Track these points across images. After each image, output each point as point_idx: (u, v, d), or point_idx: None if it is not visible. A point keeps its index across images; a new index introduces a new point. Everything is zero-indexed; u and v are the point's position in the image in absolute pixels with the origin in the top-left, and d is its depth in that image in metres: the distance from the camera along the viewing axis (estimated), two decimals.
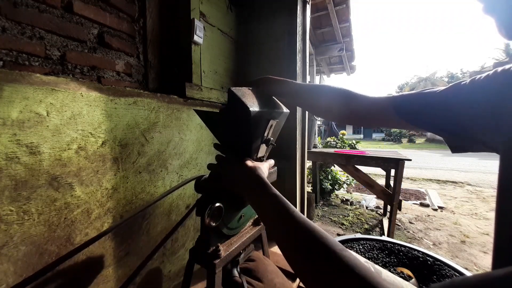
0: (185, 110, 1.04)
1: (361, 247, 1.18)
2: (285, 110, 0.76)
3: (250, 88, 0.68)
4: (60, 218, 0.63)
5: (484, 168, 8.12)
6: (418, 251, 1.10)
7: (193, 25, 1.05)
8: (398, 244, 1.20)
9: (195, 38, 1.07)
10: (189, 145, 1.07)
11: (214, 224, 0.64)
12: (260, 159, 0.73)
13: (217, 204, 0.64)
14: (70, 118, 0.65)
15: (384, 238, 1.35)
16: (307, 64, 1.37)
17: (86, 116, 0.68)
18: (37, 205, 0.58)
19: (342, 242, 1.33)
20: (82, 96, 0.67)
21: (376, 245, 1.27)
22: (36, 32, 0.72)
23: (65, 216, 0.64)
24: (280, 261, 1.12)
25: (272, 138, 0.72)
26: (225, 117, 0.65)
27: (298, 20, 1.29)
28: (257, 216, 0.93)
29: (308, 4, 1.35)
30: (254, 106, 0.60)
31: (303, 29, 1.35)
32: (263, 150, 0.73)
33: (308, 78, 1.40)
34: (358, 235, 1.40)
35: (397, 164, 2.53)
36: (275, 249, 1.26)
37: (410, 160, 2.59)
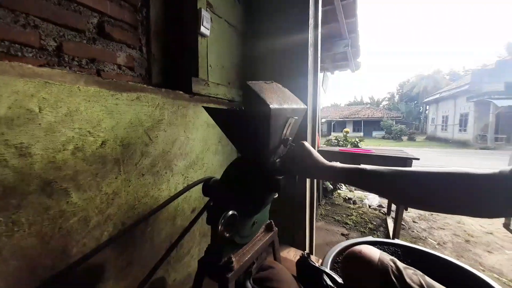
0: (191, 106, 0.97)
1: None
2: (303, 106, 0.69)
3: (268, 82, 0.61)
4: (54, 228, 0.56)
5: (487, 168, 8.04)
6: (444, 259, 1.02)
7: (200, 16, 0.97)
8: (418, 250, 1.13)
9: (202, 29, 0.99)
10: (195, 144, 1.00)
11: (228, 234, 0.57)
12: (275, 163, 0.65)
13: (231, 212, 0.58)
14: (66, 115, 0.57)
15: (399, 241, 1.29)
16: (319, 59, 1.29)
17: (84, 112, 0.61)
18: (28, 214, 0.51)
19: (356, 244, 1.26)
20: (80, 90, 0.60)
21: (392, 249, 1.20)
22: (30, 20, 0.65)
23: (60, 226, 0.57)
24: (290, 267, 1.06)
25: (290, 138, 0.66)
26: (240, 114, 0.58)
27: (310, 11, 1.21)
28: (269, 221, 0.86)
29: None
30: (274, 103, 0.53)
31: (315, 21, 1.27)
32: (280, 151, 0.66)
33: (319, 74, 1.33)
34: (370, 238, 1.34)
35: (405, 163, 2.46)
36: (285, 253, 1.20)
37: (418, 159, 2.52)
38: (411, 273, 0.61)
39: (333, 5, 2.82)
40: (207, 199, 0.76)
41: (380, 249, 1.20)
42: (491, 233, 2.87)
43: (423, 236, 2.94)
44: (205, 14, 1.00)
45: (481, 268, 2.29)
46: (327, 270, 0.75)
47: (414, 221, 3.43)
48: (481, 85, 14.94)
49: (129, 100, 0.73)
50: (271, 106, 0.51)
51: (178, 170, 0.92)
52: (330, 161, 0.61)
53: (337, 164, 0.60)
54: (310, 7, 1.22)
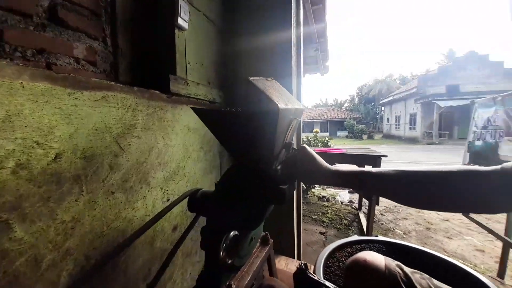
0: (170, 108, 0.84)
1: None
2: (302, 106, 0.63)
3: (268, 79, 0.54)
4: None
5: (439, 161, 9.12)
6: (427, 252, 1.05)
7: (177, 6, 0.85)
8: (400, 244, 1.16)
9: (180, 21, 0.87)
10: (175, 152, 0.87)
11: (230, 261, 0.48)
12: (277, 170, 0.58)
13: (233, 233, 0.48)
14: (3, 120, 0.42)
15: (382, 238, 1.31)
16: (302, 60, 1.26)
17: (30, 117, 0.46)
18: None
19: (344, 245, 1.25)
20: (24, 87, 0.44)
21: (377, 246, 1.22)
22: None
23: (3, 270, 0.41)
24: (285, 279, 0.99)
25: (293, 142, 0.59)
26: (240, 116, 0.50)
27: (292, 10, 1.17)
28: (264, 233, 0.78)
29: None
30: (281, 102, 0.46)
31: (297, 20, 1.24)
32: (282, 156, 0.59)
33: (302, 76, 1.30)
34: (355, 237, 1.35)
35: (375, 160, 2.61)
36: (276, 263, 1.13)
37: (386, 156, 2.70)
38: (419, 278, 0.59)
39: (305, 9, 2.88)
40: (190, 214, 0.65)
41: (367, 248, 1.21)
42: (447, 220, 3.20)
43: (391, 228, 3.15)
44: (183, 5, 0.88)
45: (446, 254, 2.52)
46: (327, 283, 0.70)
47: (381, 214, 3.68)
48: (426, 88, 17.04)
49: (92, 101, 0.59)
50: (279, 105, 0.43)
51: (156, 183, 0.79)
52: None
53: (341, 168, 0.56)
54: (292, 6, 1.18)
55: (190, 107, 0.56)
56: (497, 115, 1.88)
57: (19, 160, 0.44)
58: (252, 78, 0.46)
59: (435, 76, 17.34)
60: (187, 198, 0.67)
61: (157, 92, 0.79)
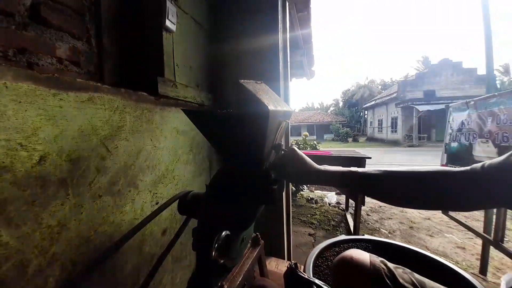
0: (158, 111, 0.84)
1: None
2: (291, 109, 0.66)
3: (258, 82, 0.55)
4: None
5: (419, 163, 9.54)
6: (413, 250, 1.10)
7: (164, 7, 0.86)
8: (384, 242, 1.21)
9: (167, 23, 0.87)
10: (164, 154, 0.86)
11: (222, 260, 0.48)
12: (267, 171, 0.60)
13: (225, 233, 0.49)
14: None
15: (368, 237, 1.36)
16: (289, 64, 1.29)
17: (13, 118, 0.44)
18: None
19: (332, 245, 1.28)
20: (7, 87, 0.43)
21: (364, 245, 1.26)
22: None
23: None
24: (276, 280, 1.00)
25: (282, 143, 0.61)
26: (230, 117, 0.51)
27: (279, 15, 1.21)
28: (255, 234, 0.79)
29: (288, 1, 1.28)
30: (270, 104, 0.47)
31: (283, 25, 1.27)
32: (271, 157, 0.60)
33: (289, 80, 1.33)
34: (343, 237, 1.38)
35: (360, 161, 2.70)
36: (270, 266, 1.13)
37: (370, 158, 2.80)
38: (401, 272, 0.61)
39: (290, 15, 2.96)
40: (180, 217, 0.65)
41: (354, 247, 1.24)
42: (428, 219, 3.35)
43: (376, 227, 3.25)
44: (171, 7, 0.89)
45: (429, 251, 2.62)
46: (317, 281, 0.72)
47: (368, 214, 3.78)
48: (405, 93, 17.93)
49: (78, 102, 0.57)
50: (269, 107, 0.45)
51: (145, 186, 0.77)
52: None
53: (329, 167, 0.58)
54: (279, 11, 1.21)
55: (181, 109, 0.56)
56: (470, 118, 2.01)
57: (3, 162, 0.42)
58: (242, 81, 0.47)
59: (414, 82, 18.32)
60: (177, 200, 0.66)
61: (145, 94, 0.78)
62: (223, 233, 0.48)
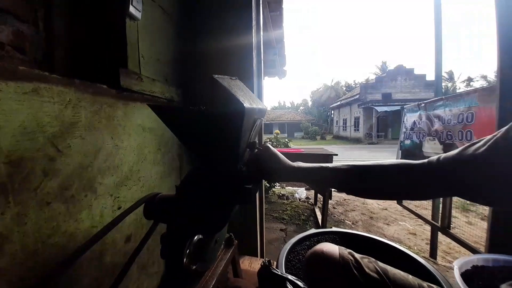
0: (120, 106, 0.76)
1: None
2: (265, 106, 0.65)
3: (233, 78, 0.53)
4: None
5: (378, 158, 10.45)
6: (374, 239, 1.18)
7: None
8: (350, 233, 1.28)
9: (131, 9, 0.79)
10: (128, 154, 0.79)
11: (195, 267, 0.45)
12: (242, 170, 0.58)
13: (197, 238, 0.46)
14: None
15: (335, 229, 1.43)
16: (262, 62, 1.29)
17: None
18: None
19: (303, 239, 1.32)
20: None
21: (332, 237, 1.32)
22: None
23: None
24: (251, 279, 0.99)
25: (257, 142, 0.59)
26: (204, 114, 0.48)
27: (253, 13, 1.19)
28: (228, 235, 0.77)
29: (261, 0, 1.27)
30: (246, 102, 0.46)
31: (257, 24, 1.26)
32: (246, 156, 0.59)
33: (262, 77, 1.33)
34: (313, 230, 1.44)
35: (327, 158, 2.85)
36: (243, 265, 1.12)
37: (337, 155, 2.97)
38: (367, 262, 0.66)
39: (264, 14, 2.97)
40: (146, 222, 0.60)
41: (323, 240, 1.30)
42: (386, 209, 3.69)
43: (342, 219, 3.47)
44: None
45: (386, 238, 2.88)
46: (290, 276, 0.73)
47: (334, 207, 4.02)
48: (366, 95, 19.52)
49: (19, 94, 0.49)
50: (245, 104, 0.43)
51: (105, 190, 0.70)
52: None
53: (302, 164, 0.60)
54: (252, 9, 1.20)
55: (147, 104, 0.51)
56: (421, 119, 2.26)
57: None
58: (216, 76, 0.45)
59: (374, 85, 20.05)
60: (143, 204, 0.61)
61: (104, 86, 0.70)
62: (195, 237, 0.45)
